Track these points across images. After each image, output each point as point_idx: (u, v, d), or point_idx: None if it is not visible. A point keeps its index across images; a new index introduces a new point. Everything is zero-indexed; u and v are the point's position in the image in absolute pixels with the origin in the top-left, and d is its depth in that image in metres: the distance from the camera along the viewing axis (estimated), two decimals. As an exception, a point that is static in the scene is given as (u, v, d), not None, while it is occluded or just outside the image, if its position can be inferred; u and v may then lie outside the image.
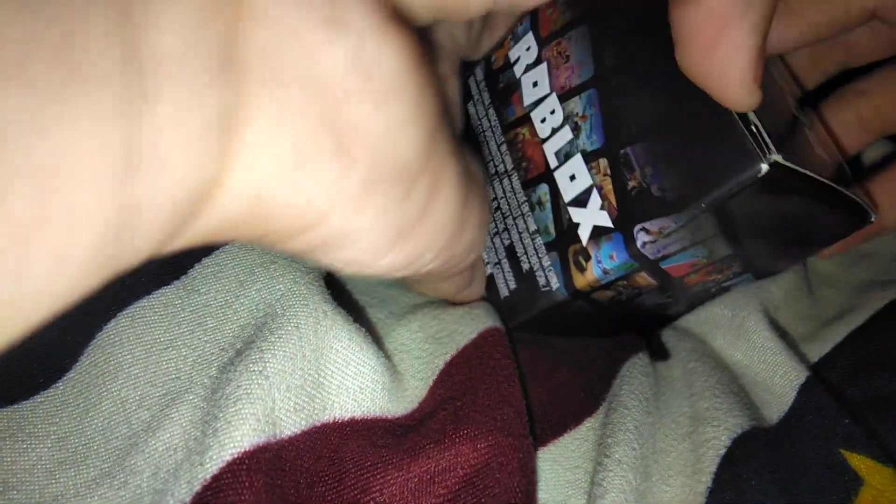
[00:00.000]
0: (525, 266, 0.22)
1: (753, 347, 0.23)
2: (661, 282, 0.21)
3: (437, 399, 0.19)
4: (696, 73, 0.16)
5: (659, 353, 0.24)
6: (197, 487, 0.16)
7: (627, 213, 0.19)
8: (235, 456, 0.16)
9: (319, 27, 0.11)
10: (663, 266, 0.20)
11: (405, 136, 0.13)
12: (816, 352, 0.24)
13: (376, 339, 0.21)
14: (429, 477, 0.17)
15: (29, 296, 0.09)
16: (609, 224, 0.19)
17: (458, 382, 0.19)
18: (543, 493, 0.19)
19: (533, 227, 0.22)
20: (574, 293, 0.21)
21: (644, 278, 0.20)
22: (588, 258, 0.20)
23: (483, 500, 0.17)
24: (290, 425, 0.17)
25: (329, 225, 0.13)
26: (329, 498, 0.17)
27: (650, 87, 0.19)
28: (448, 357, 0.20)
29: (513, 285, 0.22)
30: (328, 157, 0.12)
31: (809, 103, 0.25)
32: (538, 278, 0.21)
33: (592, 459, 0.20)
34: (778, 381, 0.22)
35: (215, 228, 0.12)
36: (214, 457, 0.16)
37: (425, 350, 0.21)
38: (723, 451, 0.19)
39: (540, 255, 0.21)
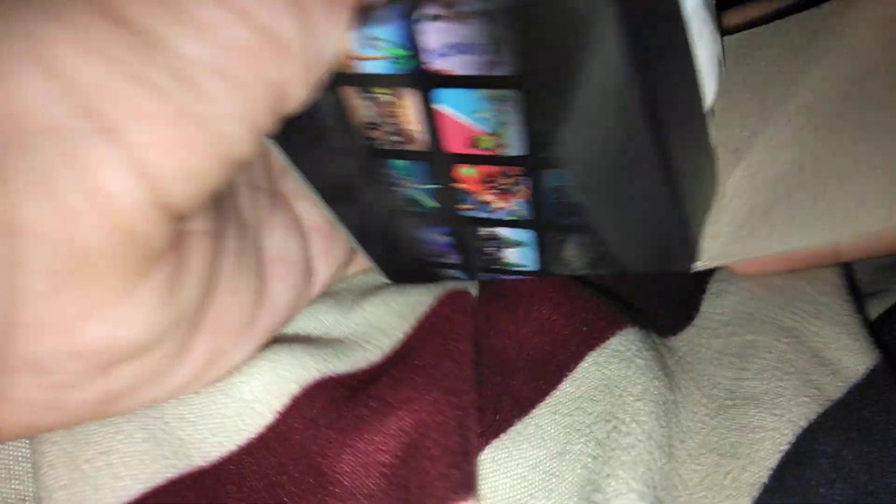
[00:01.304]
0: None
1: (828, 320, 0.20)
2: (431, 142, 0.15)
3: (387, 362, 0.18)
4: None
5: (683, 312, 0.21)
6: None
7: None
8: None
9: None
10: (437, 105, 0.14)
11: None
12: None
13: (342, 313, 0.20)
14: (373, 448, 0.17)
15: None
16: None
17: (410, 347, 0.18)
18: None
19: None
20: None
21: (410, 113, 0.15)
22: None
23: (423, 463, 0.16)
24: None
25: None
26: (289, 489, 0.17)
27: None
28: (408, 328, 0.19)
29: None
30: None
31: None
32: None
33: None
34: (847, 352, 0.19)
35: None
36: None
37: (388, 324, 0.20)
38: (785, 448, 0.17)
39: None
